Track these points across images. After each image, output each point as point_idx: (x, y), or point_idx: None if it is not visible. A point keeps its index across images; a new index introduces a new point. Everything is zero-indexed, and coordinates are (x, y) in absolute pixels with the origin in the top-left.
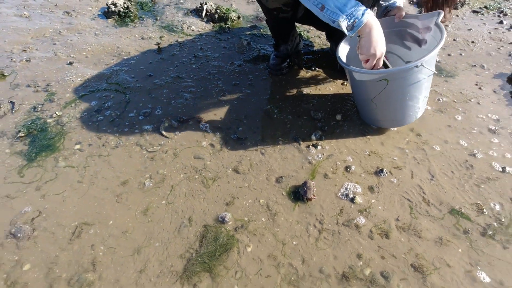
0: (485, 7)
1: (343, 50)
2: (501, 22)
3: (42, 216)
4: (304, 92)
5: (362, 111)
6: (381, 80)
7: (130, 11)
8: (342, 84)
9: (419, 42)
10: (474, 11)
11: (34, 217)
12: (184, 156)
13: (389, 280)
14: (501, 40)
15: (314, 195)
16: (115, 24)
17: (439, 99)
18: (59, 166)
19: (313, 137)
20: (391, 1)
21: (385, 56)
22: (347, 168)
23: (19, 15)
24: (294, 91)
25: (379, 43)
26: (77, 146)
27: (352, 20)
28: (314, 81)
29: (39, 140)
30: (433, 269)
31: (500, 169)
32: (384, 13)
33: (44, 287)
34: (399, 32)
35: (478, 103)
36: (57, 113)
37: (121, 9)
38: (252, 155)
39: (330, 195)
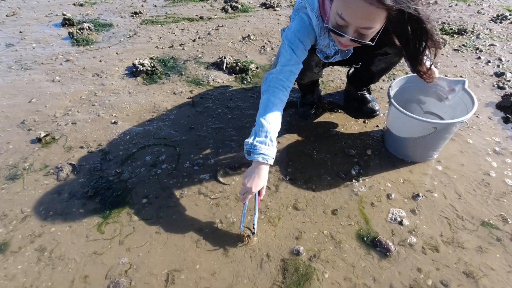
0: (463, 45)
1: (392, 92)
2: (479, 58)
3: (133, 268)
4: (334, 132)
5: (394, 146)
6: (431, 127)
7: (156, 68)
8: (364, 122)
9: (440, 99)
10: (454, 49)
11: (126, 269)
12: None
13: (449, 287)
14: (483, 73)
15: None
16: (144, 82)
17: None
18: (134, 220)
19: (353, 172)
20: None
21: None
22: (388, 196)
23: (51, 80)
24: (325, 132)
25: (254, 182)
26: (145, 200)
27: (249, 150)
28: (339, 121)
29: (108, 198)
30: (482, 274)
31: None
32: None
33: None
34: (425, 87)
35: (479, 129)
36: (117, 170)
37: (149, 68)
38: (305, 193)
39: (381, 220)
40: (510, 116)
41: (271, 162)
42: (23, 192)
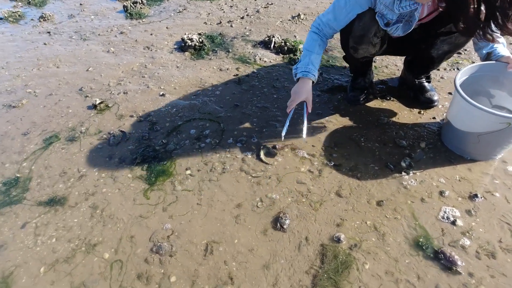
0: None
1: (459, 81)
2: None
3: (175, 235)
4: (385, 121)
5: (454, 140)
6: (503, 122)
7: (204, 44)
8: (419, 113)
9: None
10: None
11: (168, 235)
12: (287, 181)
13: None
14: None
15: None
16: (192, 57)
17: None
18: (177, 190)
19: (403, 164)
20: (492, 48)
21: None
22: (441, 193)
23: (106, 51)
24: (375, 120)
25: (299, 91)
26: (188, 172)
27: (295, 72)
28: (391, 110)
29: (154, 166)
30: None
31: None
32: (487, 57)
33: None
34: (495, 77)
35: None
36: (163, 141)
37: (197, 43)
38: (349, 180)
39: (430, 217)
40: None
41: (312, 78)
42: (79, 153)
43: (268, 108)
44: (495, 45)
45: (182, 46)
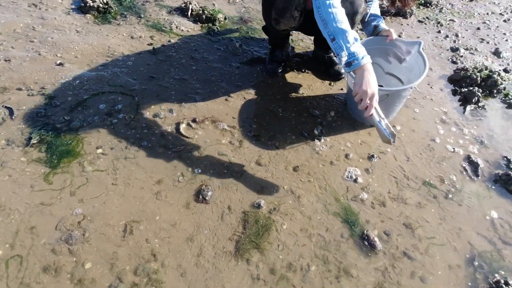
0: (427, 17)
1: None
2: (439, 32)
3: (88, 219)
4: (300, 92)
5: (354, 110)
6: (383, 94)
7: (110, 6)
8: (330, 84)
9: (400, 60)
10: (419, 21)
11: (79, 220)
12: (209, 153)
13: (390, 236)
14: (441, 47)
15: None
16: (96, 20)
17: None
18: (87, 171)
19: (316, 131)
20: (378, 22)
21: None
22: (346, 156)
23: None
24: (292, 92)
25: (371, 84)
26: (99, 150)
27: (351, 59)
28: (306, 82)
29: (56, 146)
30: (418, 225)
31: (452, 150)
32: (373, 31)
33: (112, 280)
34: (385, 49)
35: (431, 99)
36: (65, 117)
37: (100, 4)
38: (268, 150)
39: (338, 178)
40: (458, 89)
41: (371, 60)
42: None
43: (187, 80)
44: (380, 22)
45: (81, 7)
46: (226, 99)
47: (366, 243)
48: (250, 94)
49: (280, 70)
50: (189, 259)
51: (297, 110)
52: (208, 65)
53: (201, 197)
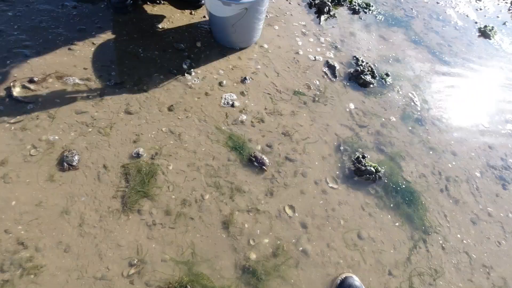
0: None
1: None
2: None
3: None
4: (160, 27)
5: (220, 36)
6: (242, 9)
7: None
8: (191, 13)
9: None
10: None
11: None
12: (64, 115)
13: (272, 147)
14: None
15: None
16: None
17: (267, 16)
18: None
19: (185, 66)
20: None
21: None
22: (220, 84)
23: None
24: (150, 28)
25: None
26: None
27: None
28: (165, 14)
29: None
30: (294, 131)
31: (313, 58)
32: None
33: None
34: None
35: (291, 15)
36: None
37: None
38: (136, 96)
39: (215, 107)
40: (312, 1)
41: None
42: None
43: (5, 31)
44: None
45: None
46: (69, 49)
47: (256, 164)
48: (100, 38)
49: (129, 4)
50: (70, 232)
51: (160, 47)
52: (30, 7)
53: (66, 164)
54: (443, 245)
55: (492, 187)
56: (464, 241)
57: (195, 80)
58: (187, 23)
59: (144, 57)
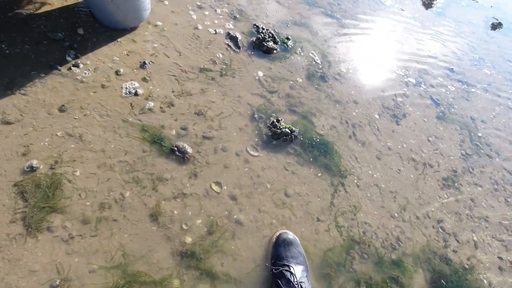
0: None
1: None
2: None
3: None
4: (24, 15)
5: (103, 16)
6: None
7: None
8: None
9: None
10: None
11: None
12: None
13: (187, 129)
14: None
15: None
16: None
17: None
18: None
19: (69, 58)
20: None
21: None
22: (117, 73)
23: None
24: (12, 17)
25: None
26: None
27: None
28: (29, 0)
29: None
30: (207, 108)
31: (214, 32)
32: None
33: None
34: None
35: None
36: None
37: None
38: (14, 101)
39: (117, 98)
40: None
41: None
42: None
43: None
44: None
45: None
46: None
47: (178, 153)
48: None
49: None
50: None
51: (30, 40)
52: None
53: None
54: (358, 184)
55: (389, 125)
56: (374, 176)
57: (85, 73)
58: (59, 6)
59: (12, 53)
